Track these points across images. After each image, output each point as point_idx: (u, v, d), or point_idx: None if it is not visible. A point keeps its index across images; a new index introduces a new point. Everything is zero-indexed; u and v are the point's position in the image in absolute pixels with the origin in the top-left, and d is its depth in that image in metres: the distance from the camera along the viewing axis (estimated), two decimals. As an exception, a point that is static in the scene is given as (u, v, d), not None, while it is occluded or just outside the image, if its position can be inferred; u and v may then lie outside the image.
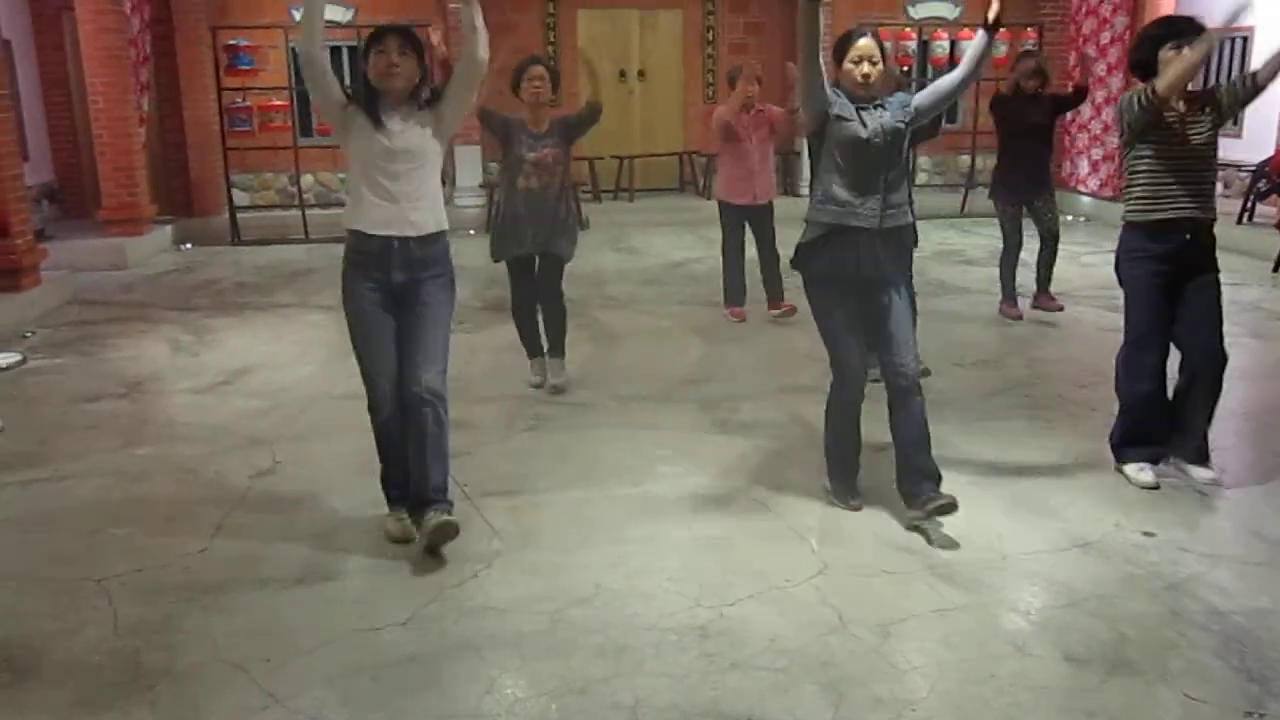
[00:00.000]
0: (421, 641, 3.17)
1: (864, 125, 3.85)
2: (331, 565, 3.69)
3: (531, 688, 2.93)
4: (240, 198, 11.42)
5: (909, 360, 3.91)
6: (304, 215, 10.88)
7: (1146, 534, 3.84)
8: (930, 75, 12.53)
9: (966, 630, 3.20)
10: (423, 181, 3.82)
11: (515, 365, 6.12)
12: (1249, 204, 10.24)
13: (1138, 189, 4.36)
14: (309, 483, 4.41)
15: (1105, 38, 11.95)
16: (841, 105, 3.91)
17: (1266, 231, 9.51)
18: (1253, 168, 10.37)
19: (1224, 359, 4.37)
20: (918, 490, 3.90)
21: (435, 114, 3.85)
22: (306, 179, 11.74)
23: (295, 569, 3.65)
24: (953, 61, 12.40)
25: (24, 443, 4.97)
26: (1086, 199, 12.14)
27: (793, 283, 5.21)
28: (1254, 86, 4.23)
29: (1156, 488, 4.26)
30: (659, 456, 4.66)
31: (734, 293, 7.33)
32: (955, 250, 9.77)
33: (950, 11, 12.74)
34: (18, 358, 6.41)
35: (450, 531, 3.68)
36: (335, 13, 11.74)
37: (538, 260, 5.67)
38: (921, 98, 4.00)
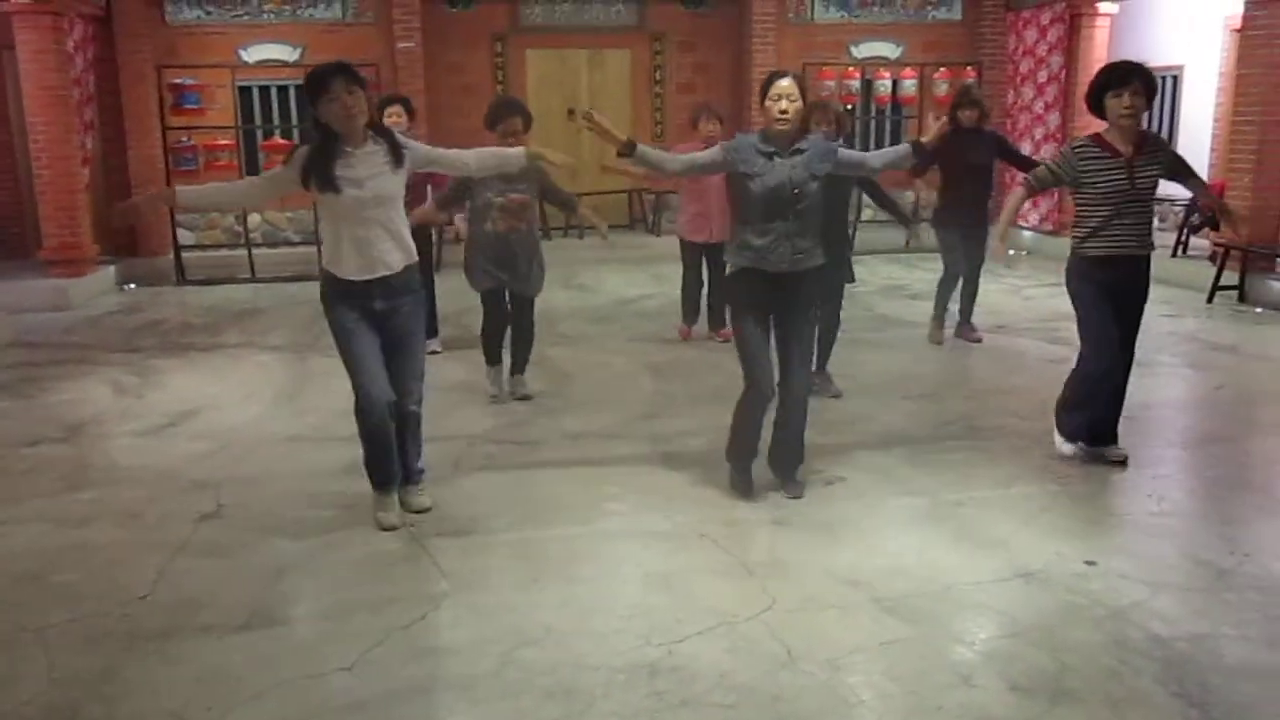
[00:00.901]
0: (368, 686, 3.13)
1: (771, 176, 4.26)
2: (276, 610, 3.64)
3: (480, 730, 2.91)
4: (185, 237, 11.30)
5: (799, 374, 4.51)
6: (250, 255, 10.79)
7: (1088, 563, 3.91)
8: (874, 112, 12.79)
9: (913, 662, 3.23)
10: (390, 221, 4.07)
11: (465, 404, 6.12)
12: (1183, 237, 10.53)
13: (1084, 226, 4.73)
14: (254, 526, 4.35)
15: (1042, 76, 12.29)
16: (745, 160, 4.30)
17: (1200, 264, 9.77)
18: (1186, 202, 10.67)
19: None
20: (784, 470, 4.65)
21: (396, 157, 4.02)
22: (254, 218, 11.66)
23: (239, 614, 3.59)
24: (895, 100, 12.67)
25: (-41, 489, 4.86)
26: (1028, 234, 12.40)
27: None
28: (1180, 180, 4.82)
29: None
30: (609, 494, 4.66)
31: (687, 315, 7.80)
32: (900, 285, 9.92)
33: (892, 51, 13.01)
34: (-46, 402, 6.27)
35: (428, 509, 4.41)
36: (283, 52, 11.73)
37: (508, 294, 6.08)
38: (845, 156, 4.45)
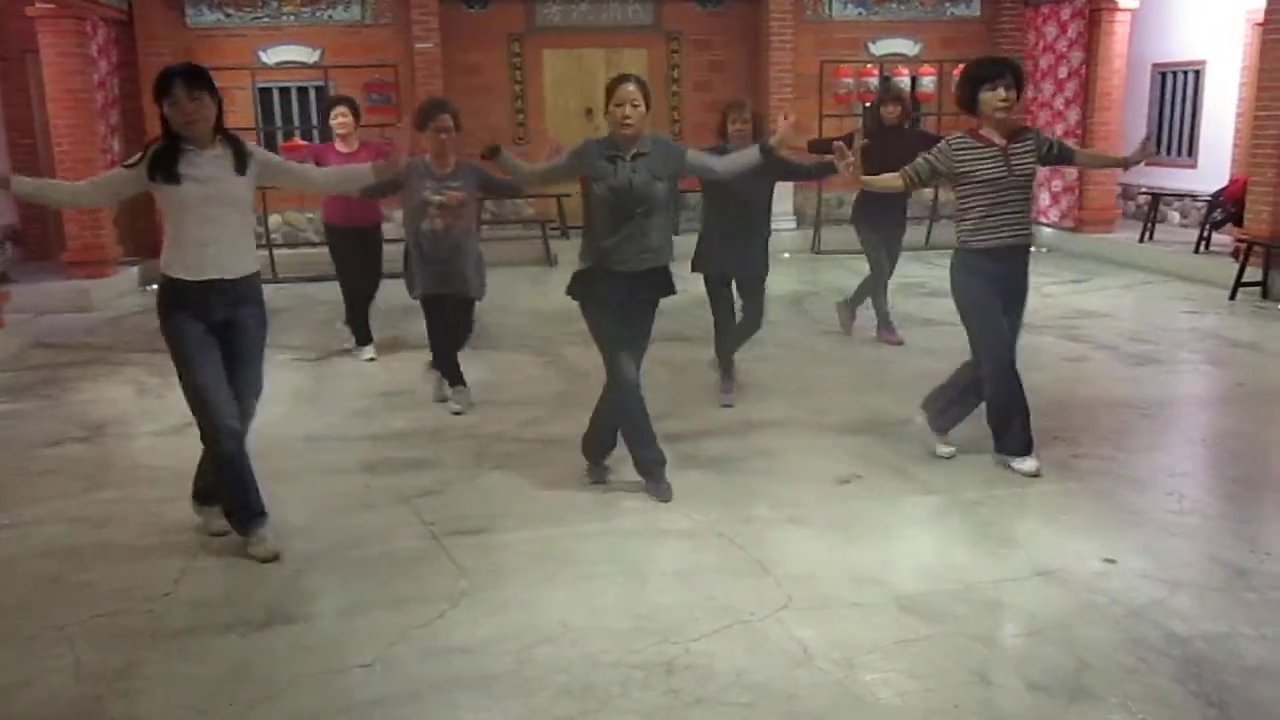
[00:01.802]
0: (387, 683, 3.16)
1: (613, 178, 4.33)
2: (296, 608, 3.67)
3: (497, 728, 2.93)
4: (207, 238, 11.38)
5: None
6: (271, 255, 10.85)
7: (1107, 561, 3.89)
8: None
9: (930, 660, 3.22)
10: (231, 224, 3.97)
11: (482, 402, 6.14)
12: (1205, 233, 10.45)
13: (968, 219, 4.71)
14: (274, 525, 4.37)
15: (1062, 72, 12.21)
16: (589, 164, 4.40)
17: (1222, 260, 9.70)
18: (1208, 198, 10.59)
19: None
20: (651, 471, 4.63)
21: (239, 163, 3.94)
22: (274, 219, 11.74)
23: (260, 612, 3.62)
24: (913, 97, 12.60)
25: (-17, 489, 4.92)
26: (1048, 230, 12.33)
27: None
28: (1065, 161, 4.89)
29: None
30: (623, 492, 4.67)
31: None
32: (919, 283, 9.88)
33: (910, 48, 12.97)
34: (-22, 402, 6.35)
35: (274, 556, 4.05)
36: (302, 53, 11.80)
37: (450, 300, 5.94)
38: (693, 161, 4.54)
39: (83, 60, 9.86)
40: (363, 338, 7.39)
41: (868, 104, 12.71)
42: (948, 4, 13.04)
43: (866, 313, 7.72)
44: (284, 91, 11.89)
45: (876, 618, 3.51)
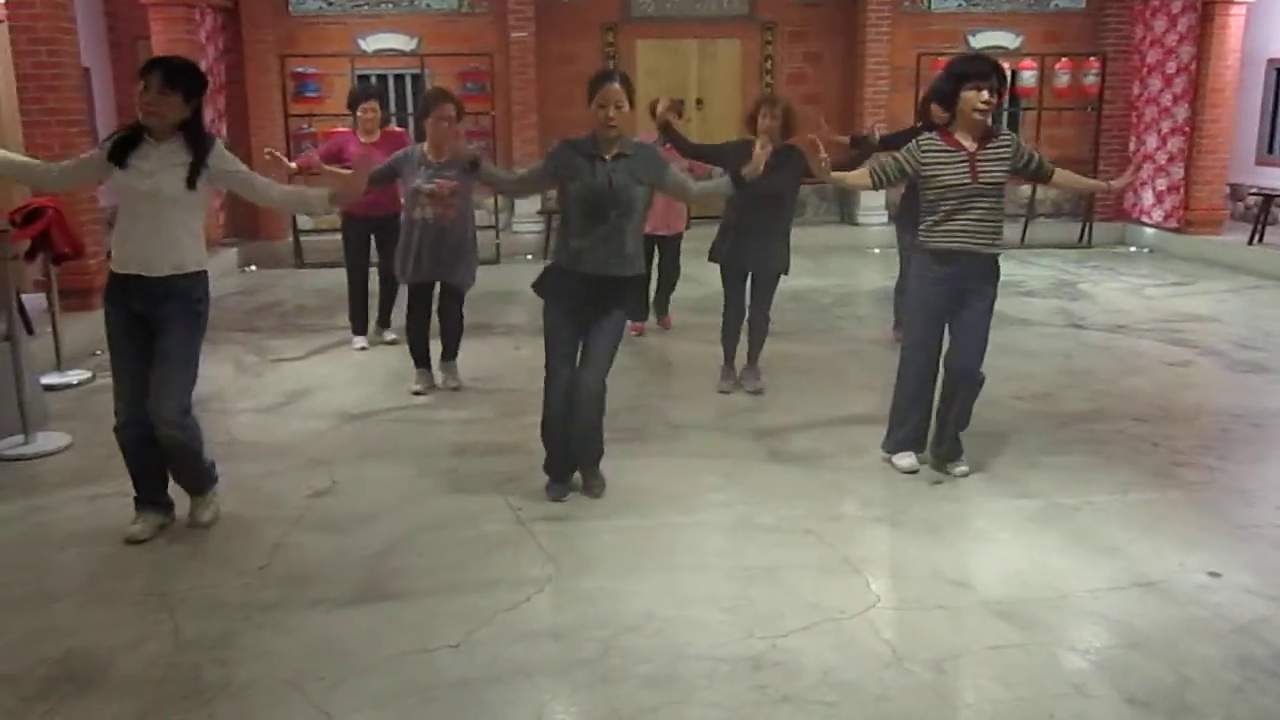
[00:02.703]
0: (473, 665, 3.19)
1: (590, 177, 4.23)
2: (385, 586, 3.73)
3: (581, 716, 2.94)
4: (304, 222, 11.62)
5: (594, 367, 4.35)
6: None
7: (1212, 574, 3.75)
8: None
9: (1023, 668, 3.14)
10: (165, 221, 3.91)
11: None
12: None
13: (927, 219, 4.61)
14: (365, 504, 4.46)
15: (1171, 67, 11.78)
16: (565, 165, 4.28)
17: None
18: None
19: (980, 378, 4.73)
20: (582, 468, 4.55)
21: (201, 166, 3.91)
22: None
23: (350, 589, 3.69)
24: (1013, 92, 12.31)
25: (92, 459, 5.09)
26: (1150, 231, 11.94)
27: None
28: (1041, 179, 4.71)
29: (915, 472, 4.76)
30: (711, 485, 4.65)
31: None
32: (1016, 281, 9.65)
33: (1011, 41, 12.65)
34: (88, 375, 6.59)
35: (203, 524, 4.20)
36: (399, 41, 11.99)
37: (438, 286, 6.05)
38: (674, 178, 4.42)
39: (191, 46, 10.14)
40: (358, 327, 7.43)
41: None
42: (1052, -4, 12.69)
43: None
44: (381, 79, 12.07)
45: (967, 622, 3.43)
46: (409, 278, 6.02)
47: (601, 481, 4.56)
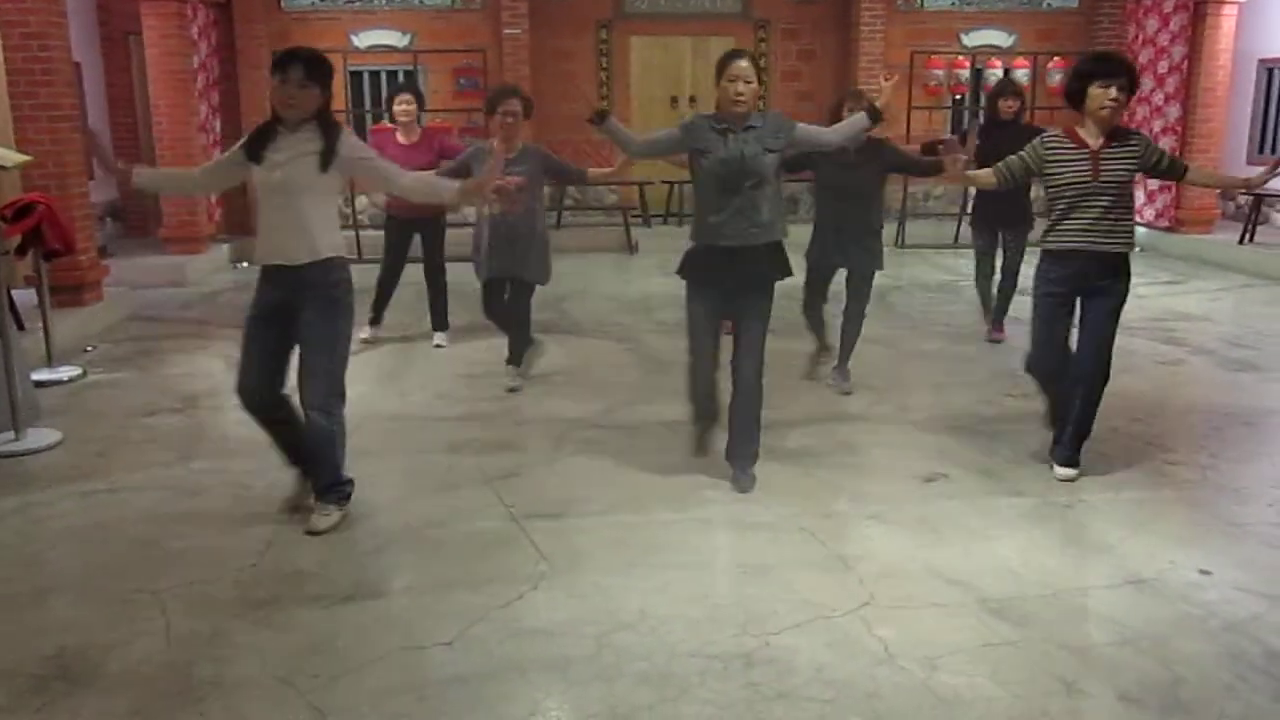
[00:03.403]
0: (467, 662, 3.18)
1: (723, 150, 4.32)
2: (379, 583, 3.73)
3: (575, 712, 2.93)
4: (296, 218, 11.62)
5: (749, 358, 4.49)
6: (357, 236, 11.01)
7: (1203, 572, 3.76)
8: (983, 102, 12.48)
9: (1016, 666, 3.15)
10: (299, 211, 3.94)
11: (565, 386, 6.17)
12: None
13: (1051, 217, 4.57)
14: (358, 500, 4.44)
15: (1163, 67, 11.81)
16: (698, 138, 4.38)
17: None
18: None
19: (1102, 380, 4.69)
20: (733, 459, 4.62)
21: (326, 155, 3.93)
22: (360, 200, 11.91)
23: (344, 586, 3.69)
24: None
25: (83, 455, 5.08)
26: (1142, 229, 11.96)
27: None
28: (1174, 176, 4.65)
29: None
30: (705, 482, 4.65)
31: None
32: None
33: (1004, 40, 12.69)
34: (79, 371, 6.56)
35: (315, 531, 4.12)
36: (392, 38, 11.97)
37: (509, 283, 6.03)
38: (801, 132, 4.47)
39: (184, 42, 10.12)
40: (374, 318, 7.38)
41: (957, 95, 12.51)
42: (1045, -5, 12.72)
43: (941, 309, 7.57)
44: (374, 75, 12.07)
45: (960, 619, 3.44)
46: (484, 274, 6.03)
47: (752, 478, 4.57)
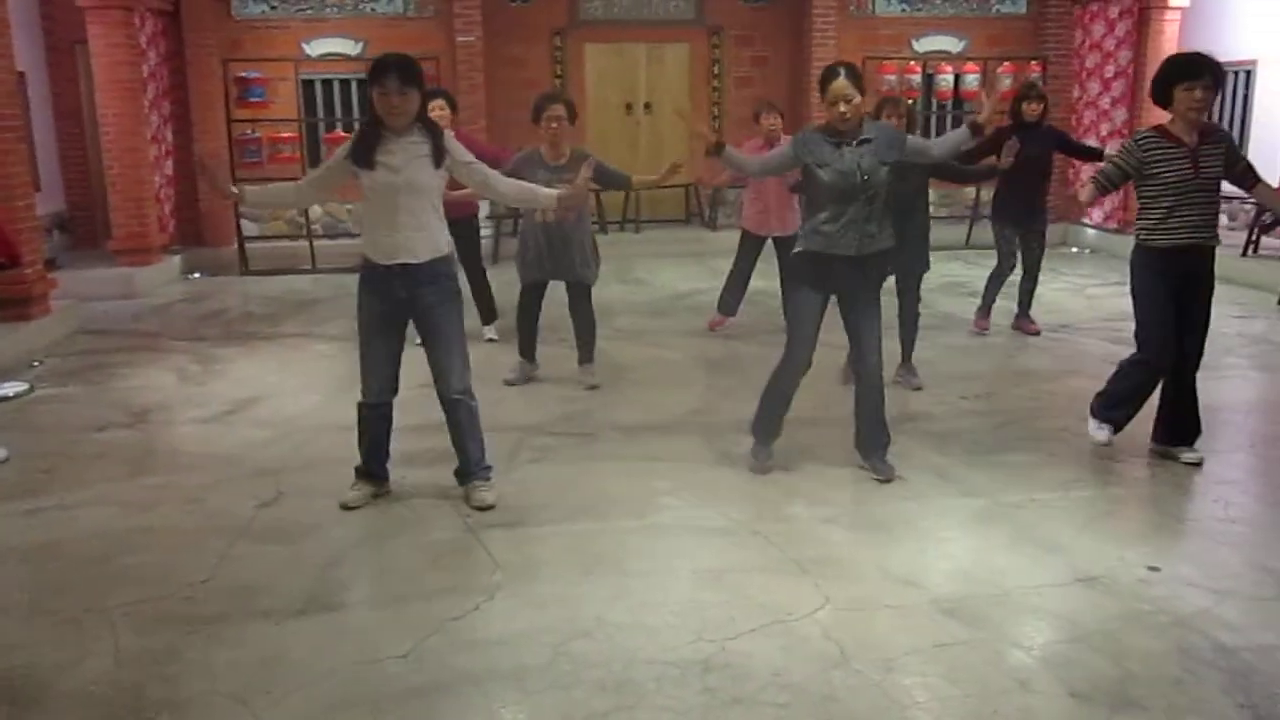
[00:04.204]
0: (422, 674, 3.16)
1: (840, 163, 4.36)
2: (333, 596, 3.69)
3: (532, 722, 2.92)
4: (249, 228, 11.48)
5: (872, 354, 4.64)
6: (312, 246, 10.95)
7: (1151, 568, 3.83)
8: (935, 107, 12.64)
9: (969, 665, 3.18)
10: (420, 211, 4.15)
11: (520, 394, 6.15)
12: (1254, 237, 10.25)
13: (1149, 217, 4.71)
14: (313, 513, 4.41)
15: (1109, 71, 12.03)
16: (813, 152, 4.44)
17: (1271, 264, 9.52)
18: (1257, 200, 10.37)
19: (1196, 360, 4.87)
20: (868, 452, 4.77)
21: (437, 154, 4.13)
22: (315, 210, 11.80)
23: (297, 600, 3.65)
24: (957, 95, 12.50)
25: (30, 472, 4.99)
26: (1092, 231, 12.16)
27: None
28: (1247, 186, 4.74)
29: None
30: (662, 489, 4.65)
31: (726, 305, 7.82)
32: (960, 282, 9.78)
33: (955, 45, 12.82)
34: (25, 387, 6.45)
35: (487, 506, 4.38)
36: (345, 45, 11.87)
37: (566, 286, 6.25)
38: (913, 145, 4.54)
39: (132, 51, 9.97)
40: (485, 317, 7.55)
41: (910, 100, 12.62)
42: (994, 1, 12.87)
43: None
44: (326, 84, 11.96)
45: (914, 621, 3.47)
46: (530, 277, 6.19)
47: (890, 466, 4.73)
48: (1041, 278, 7.61)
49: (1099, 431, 5.09)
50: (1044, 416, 5.72)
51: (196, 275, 10.79)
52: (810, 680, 3.10)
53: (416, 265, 4.17)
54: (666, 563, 3.93)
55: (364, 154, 4.09)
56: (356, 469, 4.57)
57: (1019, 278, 7.60)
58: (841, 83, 4.34)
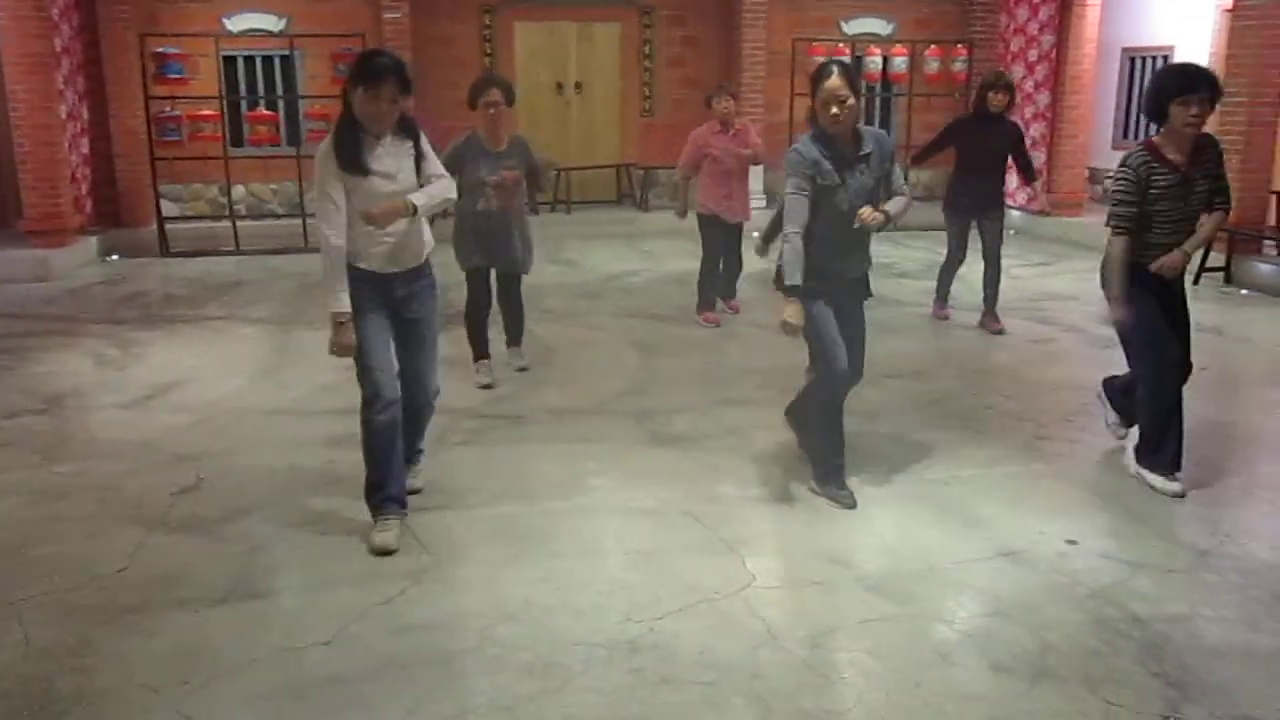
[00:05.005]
0: (347, 661, 3.11)
1: (854, 182, 4.08)
2: (255, 583, 3.62)
3: (457, 706, 2.89)
4: (169, 209, 11.18)
5: (857, 363, 4.41)
6: (235, 227, 10.70)
7: (1070, 542, 3.91)
8: (863, 89, 12.73)
9: (894, 640, 3.22)
10: (414, 219, 3.93)
11: (448, 378, 6.06)
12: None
13: (1140, 240, 4.37)
14: (235, 500, 4.32)
15: (1033, 55, 12.23)
16: (823, 173, 4.06)
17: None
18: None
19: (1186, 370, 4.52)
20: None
21: (423, 157, 3.93)
22: (238, 190, 11.54)
23: (218, 588, 3.56)
24: (885, 78, 12.62)
25: (-65, 461, 4.81)
26: (1016, 213, 12.36)
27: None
28: (1210, 208, 4.42)
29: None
30: (591, 470, 4.64)
31: (706, 300, 7.55)
32: (889, 264, 9.89)
33: (884, 28, 12.93)
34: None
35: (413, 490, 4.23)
36: (267, 22, 11.58)
37: (494, 273, 6.04)
38: (894, 178, 4.26)
39: (43, 24, 9.61)
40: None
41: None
42: (922, -16, 13.01)
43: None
44: (249, 60, 11.68)
45: (840, 597, 3.50)
46: (470, 263, 5.96)
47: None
48: (968, 260, 7.57)
49: (1169, 485, 4.39)
50: (969, 395, 5.81)
51: (114, 257, 10.47)
52: (738, 658, 3.11)
53: (408, 270, 3.98)
54: (595, 544, 3.92)
55: (354, 161, 3.73)
56: (374, 502, 3.95)
57: (981, 271, 7.38)
58: (835, 82, 3.95)
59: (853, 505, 4.21)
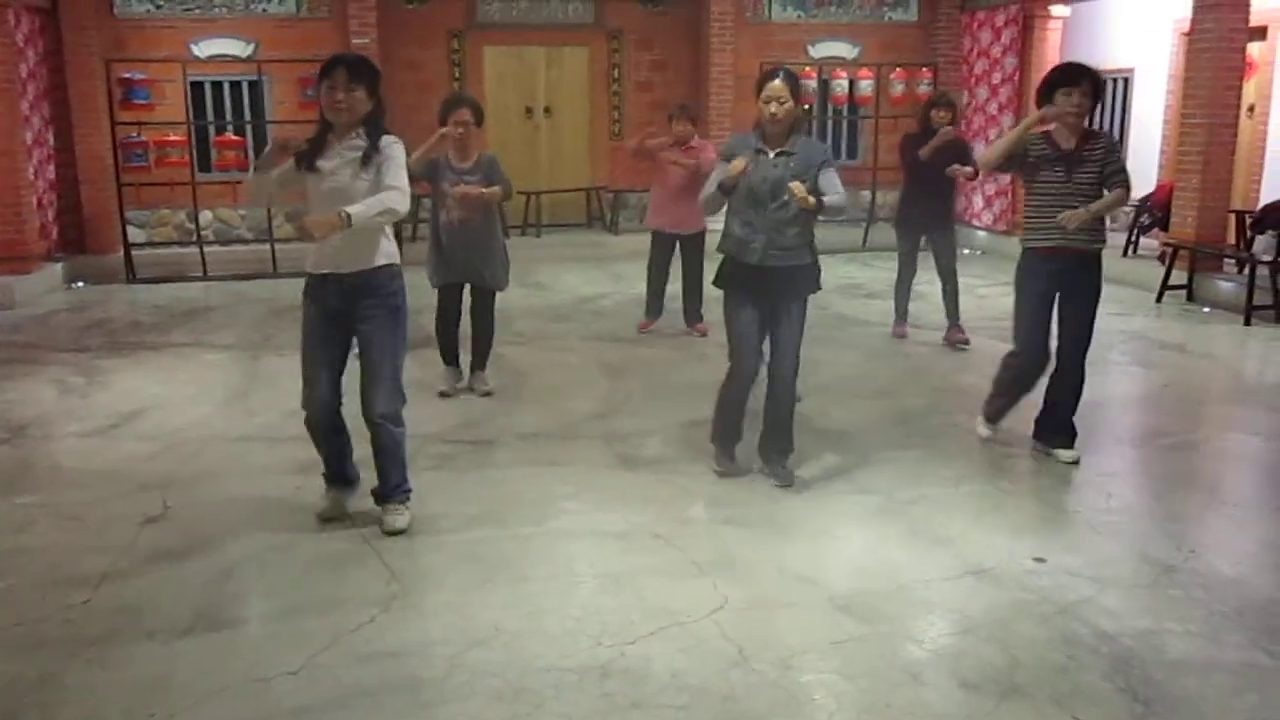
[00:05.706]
0: (314, 691, 3.08)
1: (755, 170, 4.43)
2: (222, 613, 3.58)
3: (428, 734, 2.87)
4: (136, 235, 11.10)
5: (787, 360, 4.64)
6: (202, 252, 10.62)
7: (1037, 559, 3.94)
8: (830, 112, 12.88)
9: (864, 660, 3.24)
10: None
11: (418, 402, 6.03)
12: (1133, 237, 10.68)
13: (1030, 219, 4.92)
14: (201, 528, 4.27)
15: (996, 78, 12.40)
16: (738, 151, 4.48)
17: (1149, 263, 9.92)
18: (1135, 203, 10.81)
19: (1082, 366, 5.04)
20: (768, 456, 4.78)
21: (373, 163, 3.93)
22: (205, 215, 11.47)
23: (184, 618, 3.53)
24: (851, 100, 12.75)
25: (-105, 492, 4.73)
26: (982, 233, 12.52)
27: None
28: (1110, 187, 4.82)
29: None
30: (563, 494, 4.63)
31: (651, 309, 7.84)
32: (856, 284, 9.97)
33: (849, 51, 13.08)
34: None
35: (396, 531, 4.19)
36: (235, 47, 11.56)
37: (469, 288, 6.14)
38: (824, 179, 4.49)
39: (7, 50, 9.54)
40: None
41: (806, 105, 12.82)
42: (886, 8, 13.17)
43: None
44: (216, 86, 11.64)
45: (811, 618, 3.51)
46: (439, 280, 6.06)
47: (789, 472, 4.73)
48: (935, 280, 7.63)
49: (981, 428, 5.32)
50: (935, 414, 5.86)
51: (80, 284, 10.36)
52: (709, 681, 3.11)
53: (346, 275, 4.00)
54: (565, 568, 3.91)
55: (308, 156, 3.93)
56: (323, 475, 4.39)
57: (939, 289, 7.53)
58: (778, 85, 4.41)
59: (723, 474, 4.76)
